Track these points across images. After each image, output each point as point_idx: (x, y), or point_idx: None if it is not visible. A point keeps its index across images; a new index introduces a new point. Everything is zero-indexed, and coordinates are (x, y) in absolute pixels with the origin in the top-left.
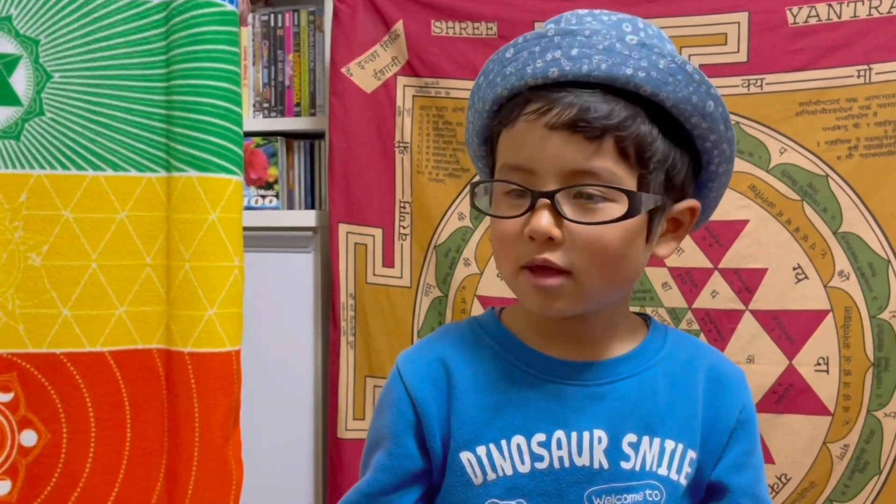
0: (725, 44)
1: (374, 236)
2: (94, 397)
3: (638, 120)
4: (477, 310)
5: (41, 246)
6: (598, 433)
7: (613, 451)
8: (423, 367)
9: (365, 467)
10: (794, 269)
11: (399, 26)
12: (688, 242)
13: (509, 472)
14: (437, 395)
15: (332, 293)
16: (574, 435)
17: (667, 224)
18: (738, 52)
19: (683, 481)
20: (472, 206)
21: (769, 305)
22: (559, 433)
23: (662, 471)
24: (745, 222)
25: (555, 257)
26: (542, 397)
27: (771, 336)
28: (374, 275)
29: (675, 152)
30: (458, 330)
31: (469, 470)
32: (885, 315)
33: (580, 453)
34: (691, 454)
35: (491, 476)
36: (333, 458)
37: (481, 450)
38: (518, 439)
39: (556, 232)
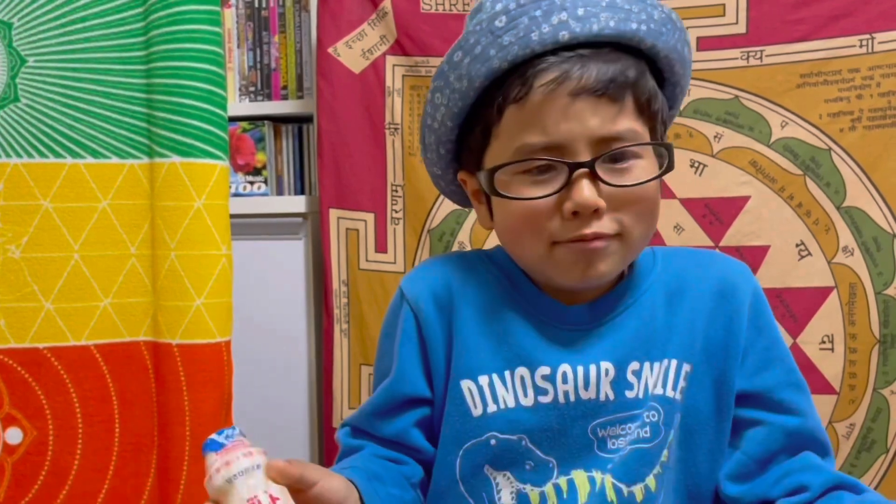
0: (723, 15)
1: (366, 221)
2: (81, 392)
3: (646, 74)
4: None
5: (20, 237)
6: (606, 365)
7: (619, 382)
8: (428, 290)
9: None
10: (797, 245)
11: (387, 4)
12: (688, 221)
13: (511, 404)
14: (442, 319)
15: (325, 280)
16: (580, 368)
17: None
18: (736, 23)
19: (679, 396)
20: (494, 192)
21: (772, 283)
22: (565, 366)
23: (659, 390)
24: (746, 199)
25: (604, 227)
26: (544, 335)
27: (774, 314)
28: (367, 261)
29: (665, 100)
30: (463, 256)
31: (469, 399)
32: (891, 291)
33: (587, 387)
34: (686, 368)
35: (492, 408)
36: (330, 448)
37: (483, 379)
38: (522, 371)
39: (602, 202)
